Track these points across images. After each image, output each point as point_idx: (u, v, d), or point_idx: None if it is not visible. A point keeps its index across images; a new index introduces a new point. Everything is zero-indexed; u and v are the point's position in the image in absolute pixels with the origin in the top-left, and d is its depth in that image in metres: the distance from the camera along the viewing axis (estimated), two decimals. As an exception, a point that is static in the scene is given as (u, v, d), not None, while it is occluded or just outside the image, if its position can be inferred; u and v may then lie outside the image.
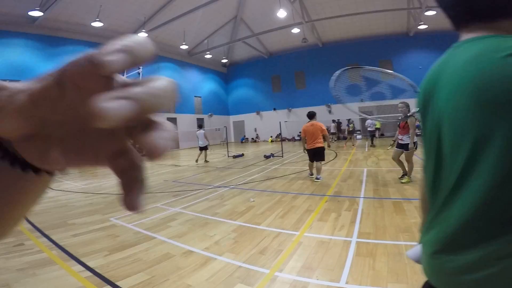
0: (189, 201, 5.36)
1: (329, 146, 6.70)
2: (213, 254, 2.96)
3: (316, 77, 23.40)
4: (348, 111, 20.73)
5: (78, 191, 6.89)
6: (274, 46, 24.45)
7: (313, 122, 6.34)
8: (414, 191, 5.11)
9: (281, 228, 3.61)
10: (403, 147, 5.66)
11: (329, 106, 22.22)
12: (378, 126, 16.59)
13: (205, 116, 25.04)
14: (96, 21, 13.99)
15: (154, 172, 9.95)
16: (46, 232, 3.78)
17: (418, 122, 5.61)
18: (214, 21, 19.88)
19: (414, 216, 3.74)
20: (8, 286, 2.36)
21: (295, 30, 19.33)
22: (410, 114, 5.24)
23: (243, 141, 26.39)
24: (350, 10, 17.36)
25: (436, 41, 19.94)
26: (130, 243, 3.33)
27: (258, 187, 6.28)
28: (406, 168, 5.81)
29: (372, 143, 14.07)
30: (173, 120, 21.71)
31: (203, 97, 25.30)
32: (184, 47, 20.46)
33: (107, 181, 8.30)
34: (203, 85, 25.58)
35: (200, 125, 12.14)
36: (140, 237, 3.54)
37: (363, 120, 20.29)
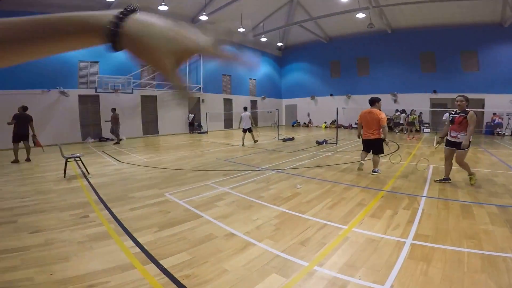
0: (238, 181, 5.44)
1: (385, 140, 5.77)
2: (253, 239, 2.92)
3: (381, 64, 21.55)
4: (415, 101, 18.71)
5: (141, 165, 7.55)
6: (334, 31, 22.97)
7: (372, 109, 5.68)
8: (489, 195, 4.41)
9: (328, 220, 3.41)
10: (456, 145, 4.95)
11: (394, 95, 20.18)
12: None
13: (258, 98, 25.22)
14: (162, 4, 14.79)
15: (208, 150, 10.37)
16: (109, 205, 4.13)
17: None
18: (269, 4, 19.40)
19: (484, 223, 3.26)
20: (66, 259, 2.56)
21: (360, 15, 17.80)
22: (468, 109, 4.81)
23: (294, 125, 25.94)
24: None
25: None
26: (179, 220, 3.48)
27: (307, 173, 6.06)
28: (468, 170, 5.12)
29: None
30: (229, 101, 22.38)
31: (257, 79, 25.47)
32: (241, 30, 20.70)
33: (167, 156, 9.02)
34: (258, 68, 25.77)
35: (246, 107, 12.13)
36: (189, 215, 3.67)
37: (436, 113, 18.05)
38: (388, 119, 12.18)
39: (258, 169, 6.58)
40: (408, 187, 4.95)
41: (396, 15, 19.03)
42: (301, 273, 2.30)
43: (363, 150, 6.02)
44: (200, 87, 19.60)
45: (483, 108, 17.08)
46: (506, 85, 17.09)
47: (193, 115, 18.97)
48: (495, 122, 17.11)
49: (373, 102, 5.73)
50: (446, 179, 5.17)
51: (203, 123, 19.63)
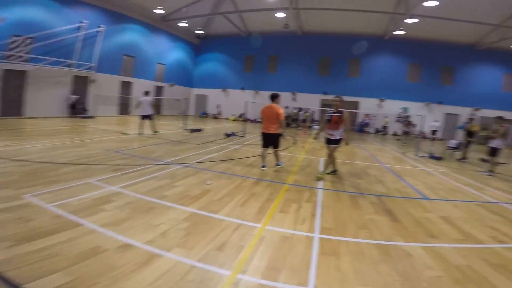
0: (132, 178, 4.55)
1: (283, 134, 5.92)
2: (158, 249, 2.42)
3: (288, 63, 23.45)
4: (310, 101, 21.24)
5: (-8, 151, 5.53)
6: (254, 26, 23.60)
7: (272, 104, 5.70)
8: (368, 186, 5.21)
9: (242, 219, 3.22)
10: (333, 142, 5.53)
11: (294, 94, 22.26)
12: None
13: (165, 85, 23.33)
14: None
15: (94, 139, 8.41)
16: None
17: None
18: None
19: (369, 212, 3.75)
20: None
21: (280, 15, 19.00)
22: (342, 109, 5.39)
23: (203, 115, 25.34)
24: (337, 5, 17.26)
25: (406, 48, 21.04)
26: (47, 231, 2.56)
27: (217, 168, 5.77)
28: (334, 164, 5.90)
29: None
30: (127, 84, 19.67)
31: (167, 65, 23.55)
32: (158, 11, 18.72)
33: (33, 144, 6.79)
34: (170, 53, 23.94)
35: (147, 92, 10.79)
36: (62, 223, 2.75)
37: (324, 112, 20.83)
38: (287, 115, 13.32)
39: (159, 162, 5.82)
40: (306, 179, 5.33)
41: (308, 19, 20.97)
42: (225, 284, 2.01)
43: (263, 147, 5.94)
44: (91, 66, 16.44)
45: (357, 109, 20.91)
46: (377, 91, 21.44)
47: (76, 96, 15.67)
48: (366, 122, 21.29)
49: (273, 97, 5.78)
50: (334, 171, 5.84)
51: (90, 107, 16.57)
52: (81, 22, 15.51)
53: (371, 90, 21.44)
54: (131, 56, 19.83)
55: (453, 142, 10.09)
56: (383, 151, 11.04)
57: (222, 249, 2.50)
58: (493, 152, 7.22)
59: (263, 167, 5.85)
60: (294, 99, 22.57)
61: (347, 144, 5.44)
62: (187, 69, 26.00)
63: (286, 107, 20.52)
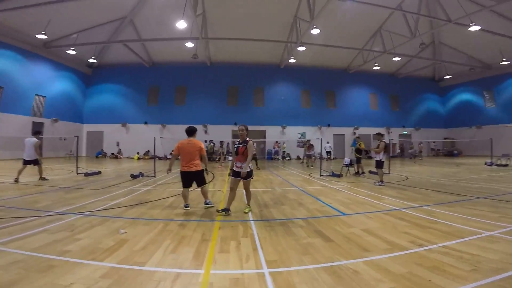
0: (13, 232, 3.50)
1: (206, 169, 5.54)
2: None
3: (197, 94, 23.31)
4: (221, 132, 21.53)
5: None
6: (159, 56, 22.83)
7: (191, 139, 5.37)
8: (292, 210, 5.37)
9: (179, 267, 2.70)
10: (239, 175, 4.94)
11: (205, 126, 22.20)
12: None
13: (46, 121, 19.40)
14: None
15: None
16: None
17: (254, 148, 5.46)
18: (96, 16, 16.89)
19: (303, 236, 3.78)
20: None
21: (189, 44, 18.90)
22: (248, 139, 5.01)
23: (99, 156, 21.99)
24: (243, 35, 18.53)
25: (298, 75, 23.98)
26: None
27: (128, 214, 4.89)
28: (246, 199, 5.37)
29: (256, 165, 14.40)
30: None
31: (48, 97, 19.80)
32: (41, 36, 15.83)
33: None
34: (53, 84, 20.30)
35: (38, 132, 9.00)
36: None
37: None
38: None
39: (49, 213, 4.59)
40: (235, 213, 5.05)
41: (217, 49, 21.68)
42: None
43: (184, 186, 5.39)
44: None
45: (265, 138, 22.45)
46: (279, 118, 23.61)
47: None
48: (275, 150, 22.97)
49: (192, 132, 5.46)
50: (226, 210, 4.94)
51: None
52: None
53: (275, 118, 23.50)
54: (-1, 86, 15.92)
55: (346, 160, 11.85)
56: (293, 175, 11.94)
57: (166, 309, 1.97)
58: (379, 164, 8.71)
59: (186, 206, 5.24)
60: (206, 132, 22.42)
61: (243, 175, 4.84)
62: (75, 101, 22.54)
63: (205, 141, 20.09)
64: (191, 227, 4.14)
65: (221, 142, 19.90)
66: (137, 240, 3.43)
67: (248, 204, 5.32)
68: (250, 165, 4.92)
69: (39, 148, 8.85)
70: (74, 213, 4.64)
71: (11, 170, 9.55)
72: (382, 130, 23.29)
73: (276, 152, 22.96)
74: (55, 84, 20.43)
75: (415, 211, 5.15)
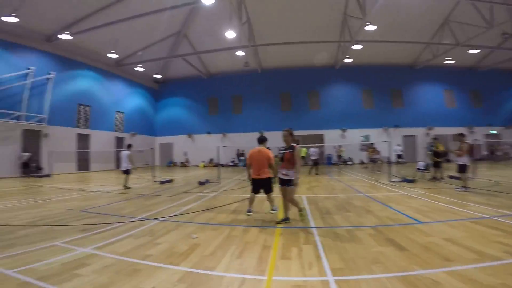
0: (106, 238, 4.00)
1: (275, 176, 5.53)
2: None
3: (252, 102, 23.78)
4: (278, 138, 21.41)
5: None
6: (214, 67, 23.90)
7: (260, 148, 5.46)
8: (358, 218, 5.05)
9: (244, 273, 2.79)
10: (287, 182, 4.71)
11: (261, 133, 22.62)
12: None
13: (126, 135, 22.23)
14: (9, 15, 11.47)
15: (53, 199, 7.76)
16: None
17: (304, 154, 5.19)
18: (154, 33, 18.40)
19: (372, 245, 3.55)
20: None
21: (240, 53, 19.29)
22: (294, 145, 4.69)
23: (170, 165, 24.31)
24: (290, 39, 18.37)
25: (357, 75, 22.56)
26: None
27: (198, 219, 5.25)
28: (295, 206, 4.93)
29: (316, 171, 14.09)
30: (85, 137, 18.47)
31: (126, 113, 22.54)
32: (112, 55, 18.17)
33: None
34: (129, 100, 22.94)
35: (130, 145, 10.51)
36: None
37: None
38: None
39: (134, 219, 5.20)
40: (296, 220, 4.93)
41: (266, 56, 21.83)
42: None
43: (252, 192, 5.56)
44: (42, 118, 15.20)
45: (323, 143, 21.53)
46: (338, 121, 22.41)
47: (28, 154, 14.26)
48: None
49: (262, 140, 5.61)
50: (285, 219, 4.81)
51: (44, 164, 15.06)
52: (28, 69, 14.37)
53: (333, 121, 22.38)
54: (87, 105, 18.67)
55: (421, 164, 10.68)
56: (357, 180, 11.25)
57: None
58: (462, 168, 7.63)
59: (249, 211, 5.41)
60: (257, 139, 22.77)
61: (296, 185, 4.63)
62: (148, 116, 25.12)
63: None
64: (254, 233, 4.23)
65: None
66: (207, 245, 3.66)
67: (300, 210, 4.87)
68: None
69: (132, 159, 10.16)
70: (154, 219, 5.20)
71: (100, 180, 11.20)
72: (463, 130, 20.26)
73: (339, 157, 21.84)
74: (130, 100, 22.86)
75: (510, 219, 4.47)
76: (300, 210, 4.90)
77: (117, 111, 21.59)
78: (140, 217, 5.38)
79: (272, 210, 5.58)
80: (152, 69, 22.52)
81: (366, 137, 21.79)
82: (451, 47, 18.27)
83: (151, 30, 17.91)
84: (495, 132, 22.54)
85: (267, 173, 5.40)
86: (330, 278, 2.62)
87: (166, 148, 25.44)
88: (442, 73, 22.59)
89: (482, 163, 17.83)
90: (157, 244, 3.71)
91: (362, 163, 21.22)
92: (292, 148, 4.65)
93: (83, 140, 18.30)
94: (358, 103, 23.17)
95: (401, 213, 5.30)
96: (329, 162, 21.65)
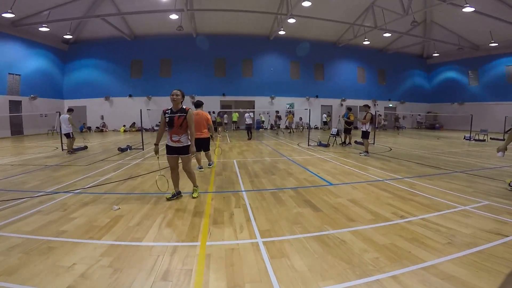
0: (6, 216, 3.45)
1: (212, 137, 6.66)
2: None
3: (183, 66, 22.69)
4: (209, 103, 21.17)
5: None
6: (141, 29, 21.62)
7: (199, 111, 6.19)
8: (282, 180, 5.54)
9: (175, 241, 2.82)
10: (180, 151, 4.10)
11: (193, 97, 21.74)
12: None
13: (24, 98, 18.54)
14: None
15: None
16: None
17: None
18: None
19: (293, 206, 3.94)
20: None
21: (173, 16, 17.91)
22: (186, 107, 4.08)
23: (83, 130, 21.39)
24: (230, 6, 17.78)
25: (287, 47, 23.66)
26: None
27: (120, 189, 4.93)
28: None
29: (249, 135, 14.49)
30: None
31: (23, 75, 18.74)
32: (8, 15, 14.62)
33: None
34: (26, 62, 19.15)
35: (71, 109, 10.05)
36: None
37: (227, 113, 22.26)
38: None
39: (40, 193, 4.55)
40: (227, 184, 5.24)
41: (203, 21, 20.74)
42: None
43: (196, 151, 5.90)
44: None
45: (254, 108, 22.41)
46: (268, 89, 23.51)
47: None
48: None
49: (199, 105, 6.39)
50: (177, 194, 4.30)
51: None
52: None
53: (264, 89, 23.42)
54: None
55: (334, 130, 12.07)
56: (282, 144, 12.12)
57: (167, 279, 2.11)
58: (365, 135, 8.91)
59: (199, 168, 6.44)
60: (193, 103, 22.08)
61: (193, 152, 4.10)
62: (53, 78, 21.55)
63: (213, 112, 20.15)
64: (184, 200, 4.22)
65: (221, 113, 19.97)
66: (132, 216, 3.51)
67: (195, 186, 4.44)
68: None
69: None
70: (65, 192, 4.63)
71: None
72: (369, 102, 23.56)
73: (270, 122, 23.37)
74: (29, 62, 19.32)
75: (397, 183, 5.31)
76: (195, 186, 4.43)
77: (10, 73, 17.79)
78: (47, 190, 4.73)
79: (209, 164, 6.84)
80: (62, 29, 19.10)
81: (291, 105, 23.43)
82: (370, 29, 20.28)
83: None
84: (391, 105, 27.32)
85: (206, 134, 6.29)
86: (259, 240, 2.83)
87: (78, 112, 22.08)
88: (358, 52, 25.43)
89: (380, 132, 21.34)
90: (72, 219, 3.38)
91: (286, 128, 22.94)
92: (184, 111, 3.99)
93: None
94: (286, 73, 24.42)
95: (317, 175, 5.99)
96: (258, 126, 22.88)
